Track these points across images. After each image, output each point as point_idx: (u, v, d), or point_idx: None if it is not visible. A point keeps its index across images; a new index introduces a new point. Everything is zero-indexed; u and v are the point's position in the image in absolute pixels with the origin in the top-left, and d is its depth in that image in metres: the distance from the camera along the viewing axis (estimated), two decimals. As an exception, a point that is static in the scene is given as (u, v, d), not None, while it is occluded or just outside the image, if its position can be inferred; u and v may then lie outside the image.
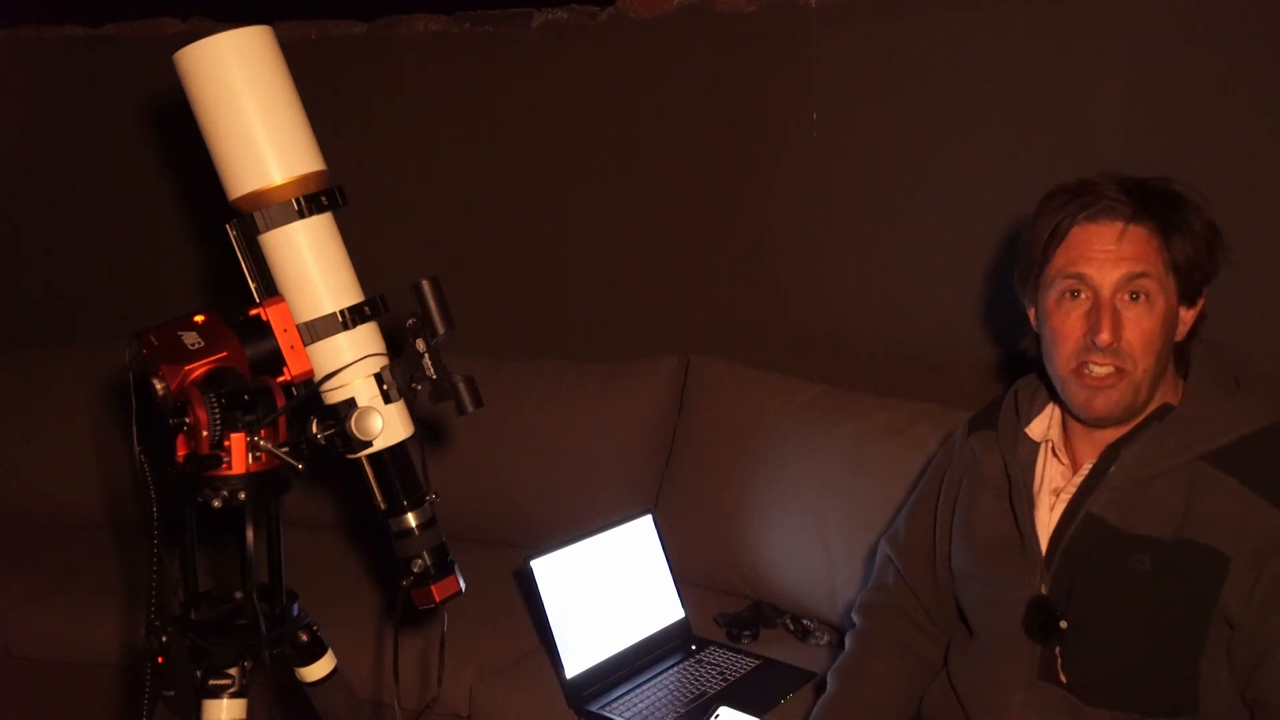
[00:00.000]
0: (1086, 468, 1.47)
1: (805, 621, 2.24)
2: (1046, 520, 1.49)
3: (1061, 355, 1.44)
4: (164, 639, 1.29)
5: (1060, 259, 1.44)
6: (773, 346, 2.59)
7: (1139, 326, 1.40)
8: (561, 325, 2.88)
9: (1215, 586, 1.34)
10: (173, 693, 1.29)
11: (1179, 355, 1.49)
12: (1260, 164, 2.03)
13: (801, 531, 2.23)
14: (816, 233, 2.53)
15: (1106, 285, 1.40)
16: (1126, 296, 1.40)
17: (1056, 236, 1.44)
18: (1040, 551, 1.47)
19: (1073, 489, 1.47)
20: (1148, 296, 1.40)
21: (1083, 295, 1.42)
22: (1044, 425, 1.55)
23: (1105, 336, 1.39)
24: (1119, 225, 1.40)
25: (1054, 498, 1.50)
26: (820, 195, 2.51)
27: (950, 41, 2.31)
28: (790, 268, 2.58)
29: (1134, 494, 1.41)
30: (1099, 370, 1.41)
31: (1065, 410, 1.51)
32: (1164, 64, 2.10)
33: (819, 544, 2.19)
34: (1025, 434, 1.56)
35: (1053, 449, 1.54)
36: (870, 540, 2.12)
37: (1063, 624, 1.42)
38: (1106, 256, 1.40)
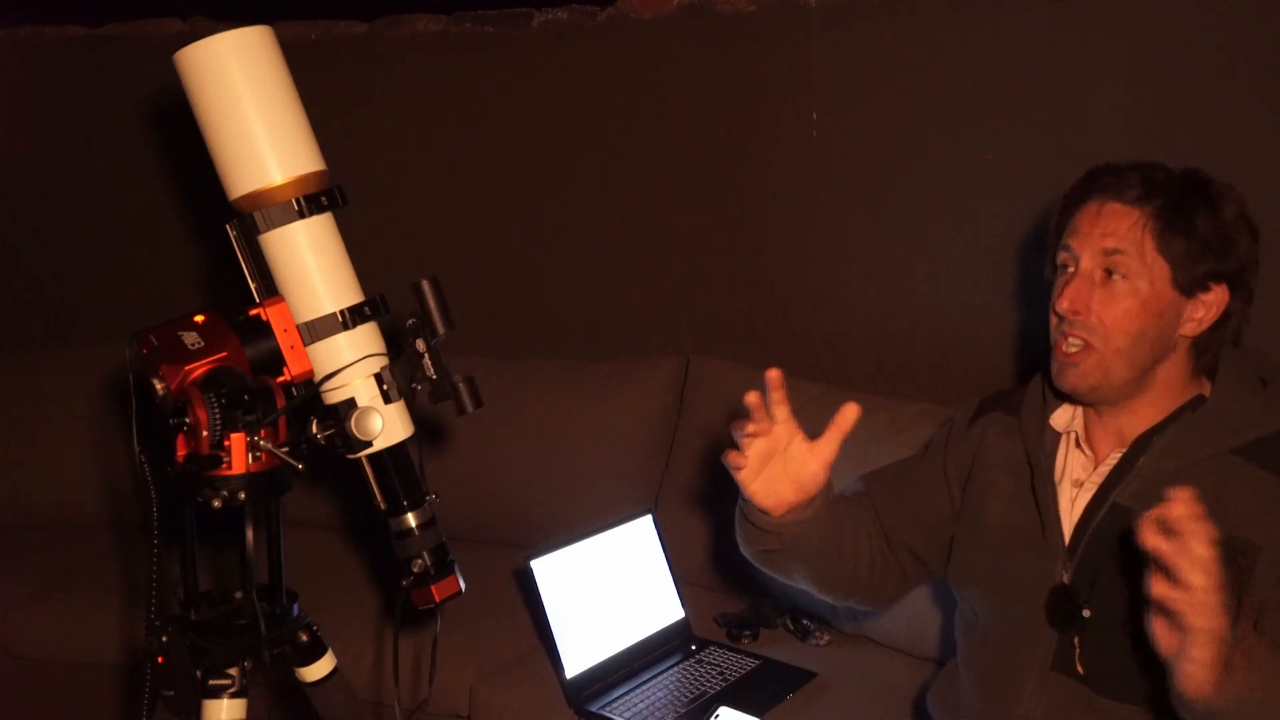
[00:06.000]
0: (1112, 458, 1.47)
1: (805, 621, 2.24)
2: (1069, 510, 1.49)
3: (1050, 327, 1.48)
4: (164, 639, 1.29)
5: (1065, 235, 1.48)
6: (773, 346, 2.59)
7: (1112, 303, 1.41)
8: (561, 325, 2.88)
9: (1245, 577, 1.33)
10: (173, 693, 1.29)
11: (1202, 354, 1.48)
12: (1261, 162, 2.02)
13: (801, 531, 2.23)
14: (816, 233, 2.53)
15: (1084, 256, 1.43)
16: (1101, 272, 1.42)
17: (1066, 214, 1.48)
18: (1063, 540, 1.47)
19: (1098, 479, 1.47)
20: (1125, 275, 1.41)
21: (1070, 269, 1.46)
22: (1068, 416, 1.55)
23: (1064, 303, 1.43)
24: (1105, 201, 1.43)
25: (1075, 489, 1.50)
26: (820, 195, 2.51)
27: (950, 41, 2.31)
28: (790, 268, 2.58)
29: (1162, 485, 1.39)
30: (1069, 343, 1.44)
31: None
32: (1164, 64, 2.10)
33: (819, 544, 2.19)
34: (1049, 423, 1.56)
35: (1076, 440, 1.54)
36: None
37: (1086, 612, 1.42)
38: (1090, 230, 1.43)
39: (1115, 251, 1.41)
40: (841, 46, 2.42)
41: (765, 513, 1.55)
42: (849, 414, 1.50)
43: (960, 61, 2.30)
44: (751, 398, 1.46)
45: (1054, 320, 1.47)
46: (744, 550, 1.68)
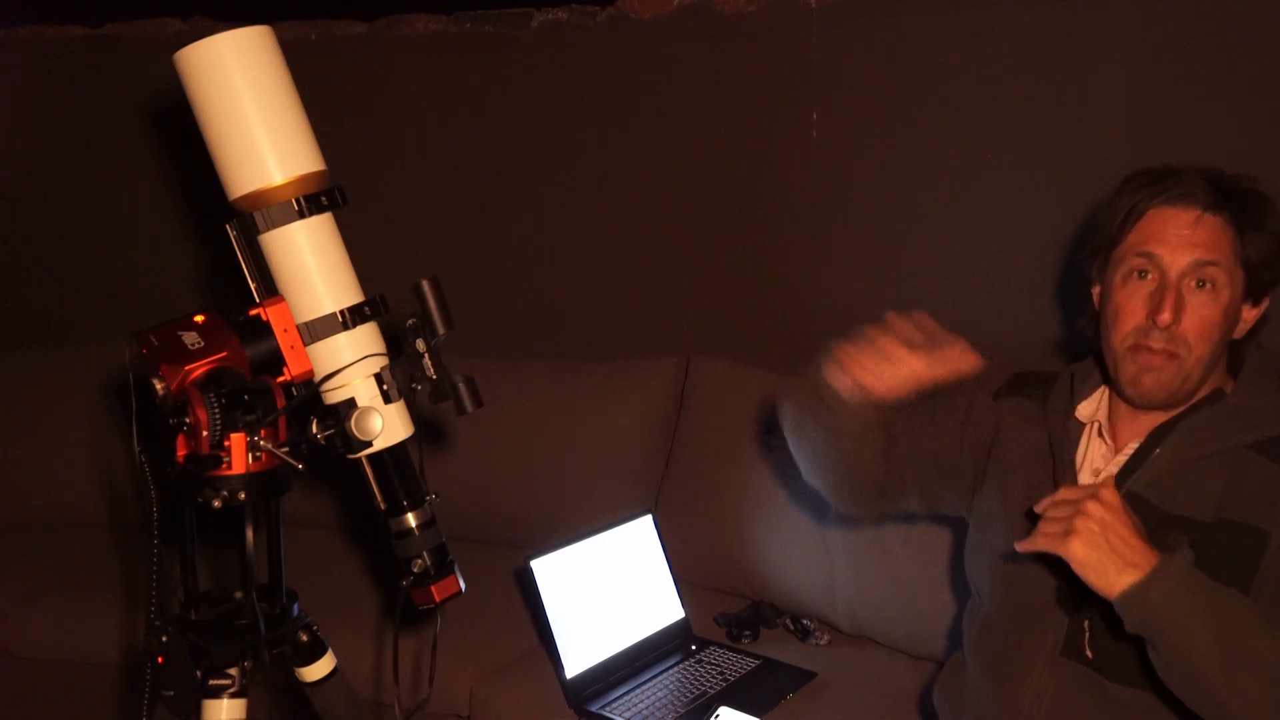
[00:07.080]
0: (1131, 448, 1.49)
1: (805, 621, 2.24)
2: None
3: (1120, 332, 1.46)
4: (164, 639, 1.29)
5: (1133, 237, 1.46)
6: (773, 346, 2.59)
7: (1200, 314, 1.41)
8: (561, 325, 2.88)
9: (1253, 562, 1.35)
10: (173, 693, 1.29)
11: (1232, 354, 1.50)
12: (1262, 163, 2.02)
13: (801, 531, 2.23)
14: (816, 232, 2.53)
15: (1175, 268, 1.42)
16: (1193, 283, 1.42)
17: (1133, 215, 1.46)
18: None
19: (1115, 468, 1.49)
20: (1213, 286, 1.42)
21: (1150, 275, 1.44)
22: (1092, 407, 1.57)
23: (1166, 316, 1.40)
24: (1196, 211, 1.42)
25: (1094, 477, 1.52)
26: (820, 195, 2.51)
27: (950, 41, 2.31)
28: (790, 267, 2.58)
29: (1176, 475, 1.43)
30: (1150, 353, 1.43)
31: (1115, 390, 1.53)
32: (1164, 64, 2.10)
33: (819, 544, 2.20)
34: (1074, 414, 1.57)
35: (1099, 429, 1.55)
36: (869, 540, 2.13)
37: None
38: (1180, 240, 1.42)
39: (1210, 263, 1.41)
40: (841, 46, 2.42)
41: (844, 399, 1.54)
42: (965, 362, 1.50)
43: (960, 61, 2.30)
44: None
45: (1127, 326, 1.45)
46: (790, 411, 1.68)
